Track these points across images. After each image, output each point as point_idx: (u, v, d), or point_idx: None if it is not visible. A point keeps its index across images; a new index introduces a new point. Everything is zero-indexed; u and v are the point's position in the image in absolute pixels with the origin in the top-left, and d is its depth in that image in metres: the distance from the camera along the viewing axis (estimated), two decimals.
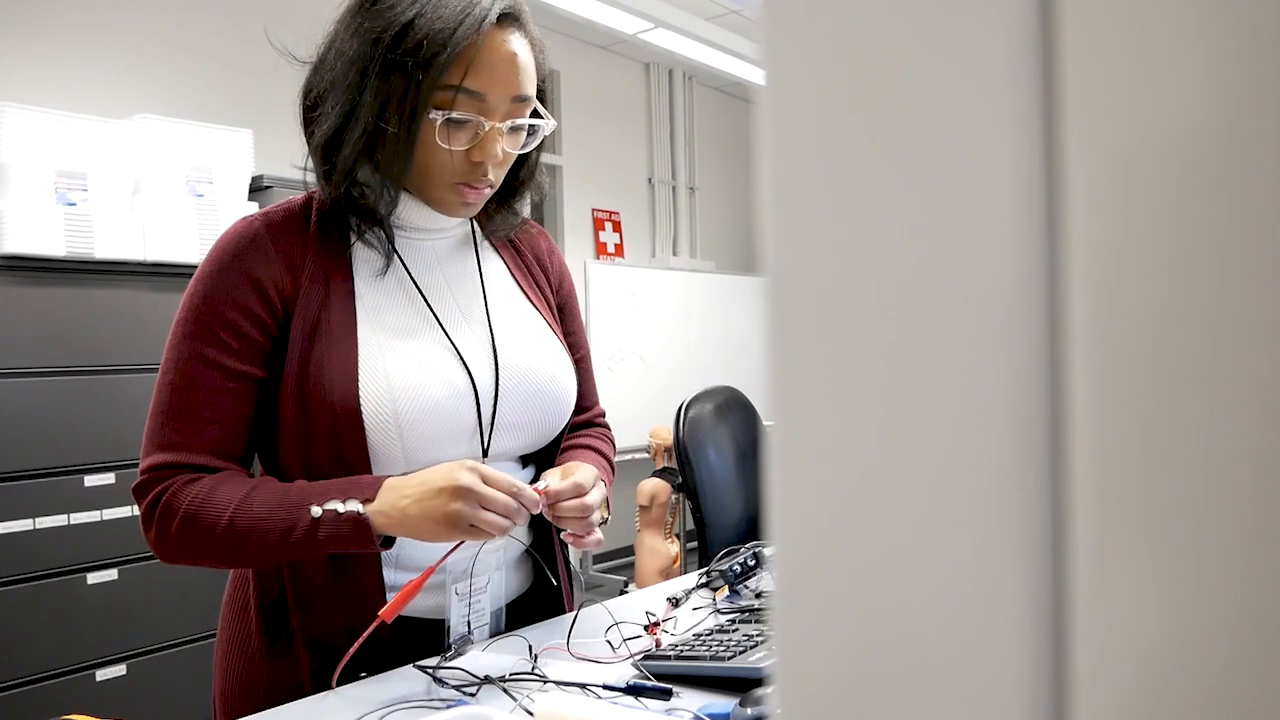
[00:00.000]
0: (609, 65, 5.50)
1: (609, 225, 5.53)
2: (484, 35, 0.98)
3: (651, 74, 5.91)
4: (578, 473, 1.06)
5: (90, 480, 2.79)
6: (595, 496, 1.06)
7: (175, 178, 3.01)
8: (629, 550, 4.45)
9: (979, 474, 0.22)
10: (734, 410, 2.30)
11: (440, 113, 0.98)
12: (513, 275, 1.20)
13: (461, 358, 1.07)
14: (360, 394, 1.00)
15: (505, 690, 0.90)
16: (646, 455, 4.69)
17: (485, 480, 0.95)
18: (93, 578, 2.78)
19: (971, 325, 0.22)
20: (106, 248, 2.82)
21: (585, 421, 1.31)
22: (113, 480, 2.83)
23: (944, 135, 0.22)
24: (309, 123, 1.05)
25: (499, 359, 1.09)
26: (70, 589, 2.73)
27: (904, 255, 0.23)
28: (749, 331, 6.36)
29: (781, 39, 0.25)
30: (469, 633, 1.07)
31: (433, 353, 1.06)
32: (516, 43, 1.02)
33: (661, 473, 4.21)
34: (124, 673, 2.82)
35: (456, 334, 1.09)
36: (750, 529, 2.14)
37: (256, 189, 3.23)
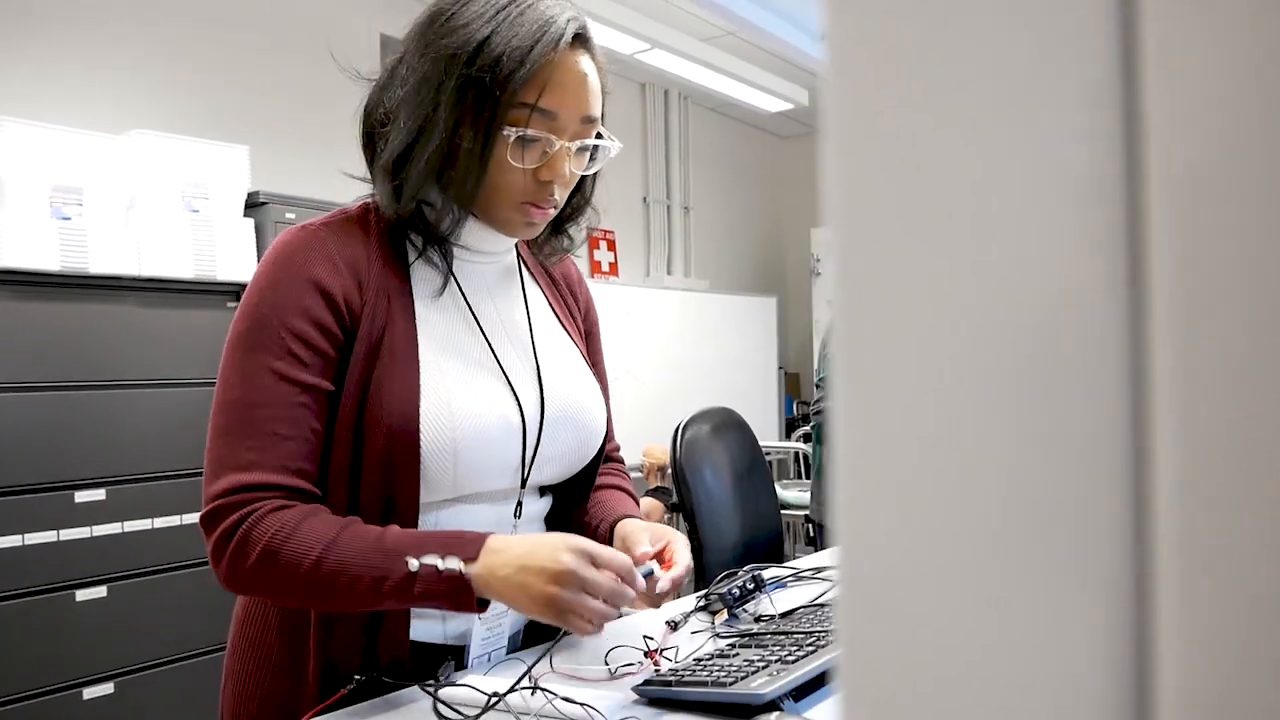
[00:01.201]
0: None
1: (604, 244, 5.54)
2: (560, 54, 0.99)
3: (647, 94, 5.94)
4: (681, 553, 1.06)
5: (80, 496, 2.77)
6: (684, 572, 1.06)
7: (171, 193, 3.00)
8: None
9: (1058, 495, 0.21)
10: (730, 431, 2.30)
11: (514, 130, 0.98)
12: (550, 305, 1.21)
13: (514, 390, 1.07)
14: (421, 418, 0.98)
15: (510, 710, 0.89)
16: (639, 474, 4.68)
17: (594, 560, 0.92)
18: (82, 595, 2.76)
19: (1050, 343, 0.21)
20: (101, 263, 2.81)
21: (605, 456, 1.29)
22: (103, 496, 2.81)
23: (1024, 135, 0.22)
24: (372, 139, 1.05)
25: (545, 393, 1.09)
26: (59, 606, 2.70)
27: (977, 273, 0.22)
28: (742, 351, 6.36)
29: (849, 36, 0.25)
30: (489, 659, 1.07)
31: (489, 383, 1.05)
32: (587, 64, 1.03)
33: (654, 492, 4.19)
34: (112, 691, 2.78)
35: (508, 364, 1.09)
36: (746, 551, 2.14)
37: (252, 205, 3.22)
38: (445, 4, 1.01)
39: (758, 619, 1.21)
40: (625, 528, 1.13)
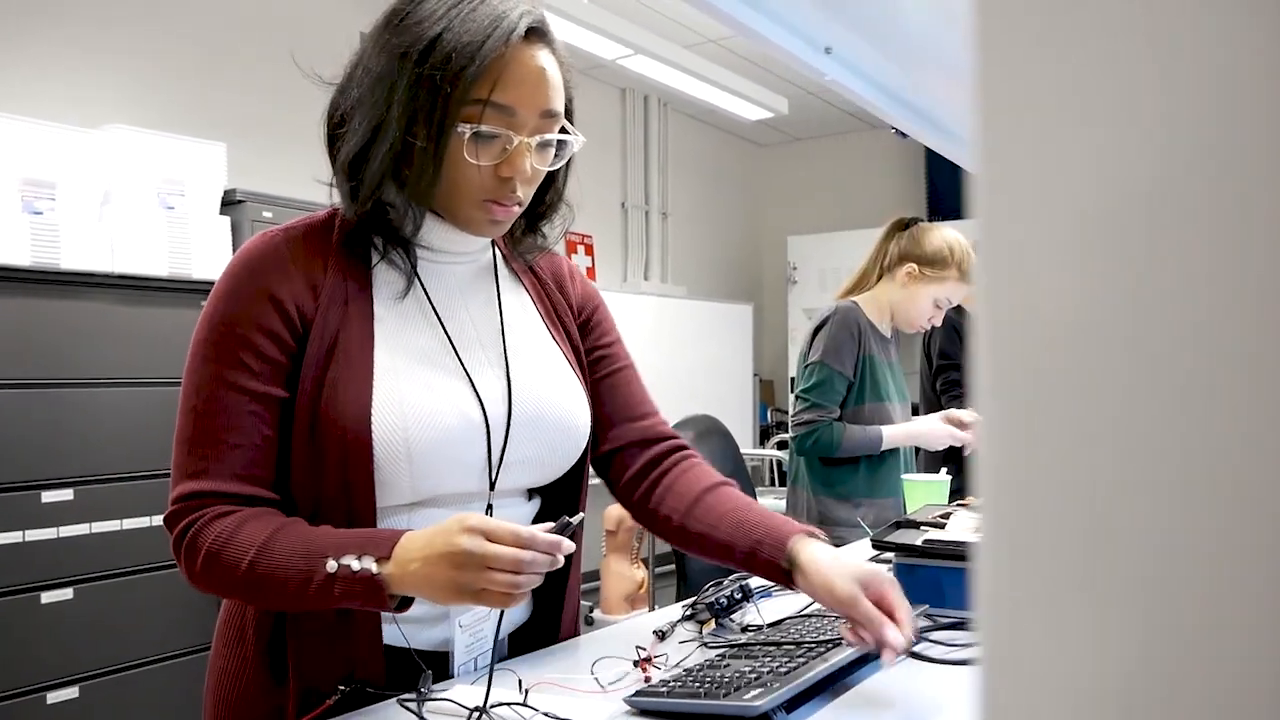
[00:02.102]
0: (585, 89, 5.47)
1: (581, 248, 5.53)
2: (512, 48, 0.98)
3: (628, 99, 5.94)
4: (897, 601, 0.97)
5: (48, 496, 2.72)
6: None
7: (146, 189, 2.96)
8: (594, 575, 4.42)
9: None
10: (713, 439, 2.29)
11: (468, 126, 0.97)
12: (535, 305, 1.19)
13: (476, 390, 1.05)
14: (373, 420, 0.98)
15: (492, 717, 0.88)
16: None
17: (489, 536, 0.89)
18: (47, 597, 2.70)
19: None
20: (73, 258, 2.77)
21: (659, 436, 1.23)
22: (71, 496, 2.76)
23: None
24: (334, 140, 1.05)
25: (513, 394, 1.08)
26: (23, 608, 2.65)
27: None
28: (718, 358, 6.37)
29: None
30: (474, 666, 1.06)
31: (448, 383, 1.04)
32: (544, 57, 1.02)
33: None
34: (76, 695, 2.73)
35: (472, 365, 1.07)
36: None
37: (229, 203, 3.18)
38: (401, 3, 1.02)
39: (744, 629, 1.20)
40: (823, 572, 1.00)
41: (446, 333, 1.07)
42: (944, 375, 2.99)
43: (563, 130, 1.05)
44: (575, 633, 1.23)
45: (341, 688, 0.97)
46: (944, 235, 2.37)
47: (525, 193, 1.05)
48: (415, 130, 0.98)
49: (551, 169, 1.08)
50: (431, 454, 1.00)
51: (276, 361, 0.99)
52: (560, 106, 1.04)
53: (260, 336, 0.98)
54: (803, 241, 6.91)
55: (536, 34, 1.01)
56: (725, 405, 5.89)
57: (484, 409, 1.05)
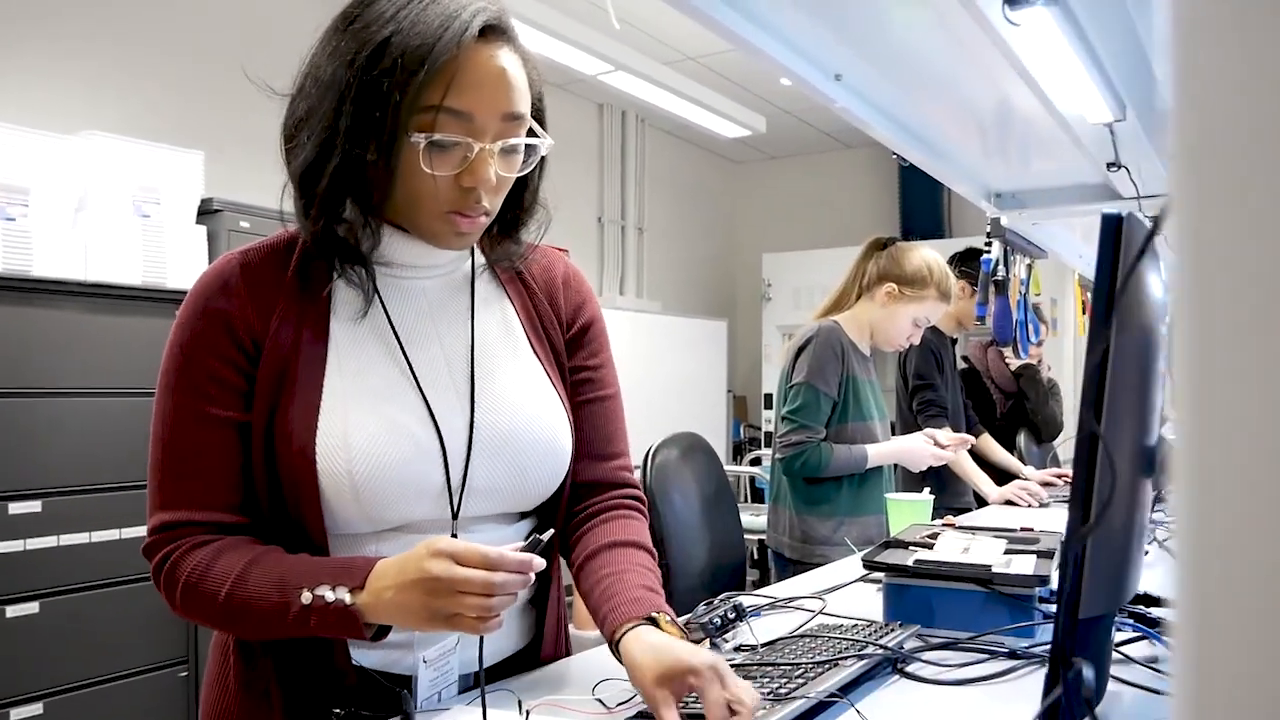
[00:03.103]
0: (563, 103, 5.52)
1: None
2: (465, 49, 0.92)
3: (605, 114, 5.96)
4: (744, 691, 0.87)
5: (15, 508, 2.66)
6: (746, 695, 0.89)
7: (121, 197, 2.92)
8: (568, 591, 4.39)
9: None
10: (697, 455, 2.29)
11: (422, 136, 0.92)
12: (518, 316, 1.13)
13: (433, 415, 1.01)
14: (317, 451, 0.96)
15: None
16: None
17: (457, 559, 0.86)
18: (12, 610, 2.64)
19: None
20: (46, 266, 2.72)
21: (616, 481, 1.18)
22: (38, 508, 2.71)
23: None
24: (288, 155, 1.00)
25: (475, 418, 1.03)
26: None
27: None
28: (693, 374, 6.38)
29: None
30: (439, 699, 1.03)
31: (401, 410, 1.00)
32: (504, 57, 0.95)
33: None
34: (41, 712, 2.67)
35: (433, 387, 1.03)
36: (713, 577, 2.13)
37: (205, 212, 3.15)
38: (350, 7, 0.97)
39: (738, 648, 1.20)
40: (660, 661, 0.90)
41: (405, 355, 1.02)
42: (919, 395, 3.02)
43: (530, 133, 1.00)
44: (565, 651, 1.21)
45: (337, 711, 0.95)
46: (923, 255, 2.40)
47: (492, 202, 0.99)
48: (366, 142, 0.92)
49: (519, 174, 1.01)
50: (378, 485, 0.96)
51: (236, 386, 0.98)
52: (524, 108, 0.98)
53: (217, 363, 0.97)
54: (777, 259, 6.95)
55: (494, 31, 0.95)
56: (699, 421, 5.90)
57: (440, 436, 1.00)
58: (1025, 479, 3.06)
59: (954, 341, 3.28)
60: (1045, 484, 3.03)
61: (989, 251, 2.33)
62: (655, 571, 1.10)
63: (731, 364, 7.28)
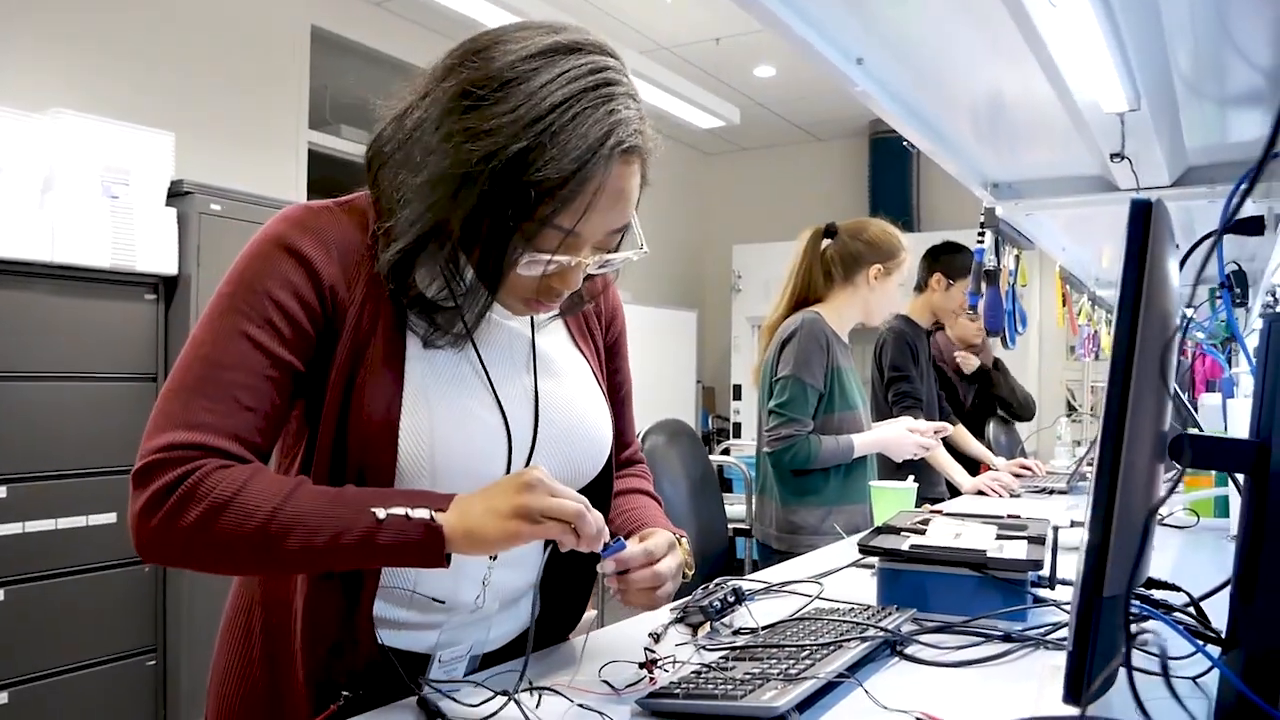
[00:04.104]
0: None
1: None
2: (606, 176, 0.89)
3: None
4: (651, 538, 1.03)
5: None
6: (669, 564, 1.03)
7: (90, 177, 2.87)
8: None
9: None
10: (682, 440, 2.30)
11: (534, 255, 0.91)
12: (565, 320, 1.16)
13: (503, 410, 1.02)
14: (400, 436, 0.94)
15: (519, 704, 0.87)
16: None
17: (549, 489, 0.90)
18: None
19: None
20: (11, 246, 2.66)
21: (626, 460, 1.29)
22: (3, 495, 2.65)
23: None
24: (372, 167, 0.98)
25: (539, 415, 1.05)
26: None
27: None
28: (663, 363, 6.39)
29: None
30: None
31: (476, 402, 1.01)
32: (631, 175, 0.93)
33: None
34: (6, 701, 2.63)
35: (501, 381, 1.03)
36: (700, 562, 2.14)
37: (176, 194, 3.10)
38: (478, 73, 0.90)
39: (737, 631, 1.21)
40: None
41: (477, 350, 1.03)
42: (895, 387, 3.05)
43: (623, 231, 0.98)
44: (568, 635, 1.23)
45: (345, 693, 0.95)
46: (880, 226, 2.48)
47: (571, 289, 0.99)
48: (472, 248, 0.92)
49: (602, 271, 0.99)
50: (456, 470, 0.97)
51: (304, 331, 0.93)
52: (632, 216, 0.98)
53: (292, 300, 0.92)
54: (748, 250, 6.98)
55: (634, 151, 0.92)
56: (668, 411, 5.90)
57: (508, 427, 1.02)
58: (996, 469, 3.11)
59: (929, 334, 3.32)
60: (1015, 474, 3.08)
61: (981, 241, 2.36)
62: (658, 502, 1.24)
63: (701, 354, 7.31)
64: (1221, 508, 2.07)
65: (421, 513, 0.87)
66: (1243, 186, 0.81)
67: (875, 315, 2.50)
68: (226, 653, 1.05)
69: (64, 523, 2.79)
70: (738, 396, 7.11)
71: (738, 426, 7.07)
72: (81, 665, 2.82)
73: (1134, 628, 1.18)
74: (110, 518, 2.88)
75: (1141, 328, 0.67)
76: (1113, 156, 1.72)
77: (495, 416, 1.02)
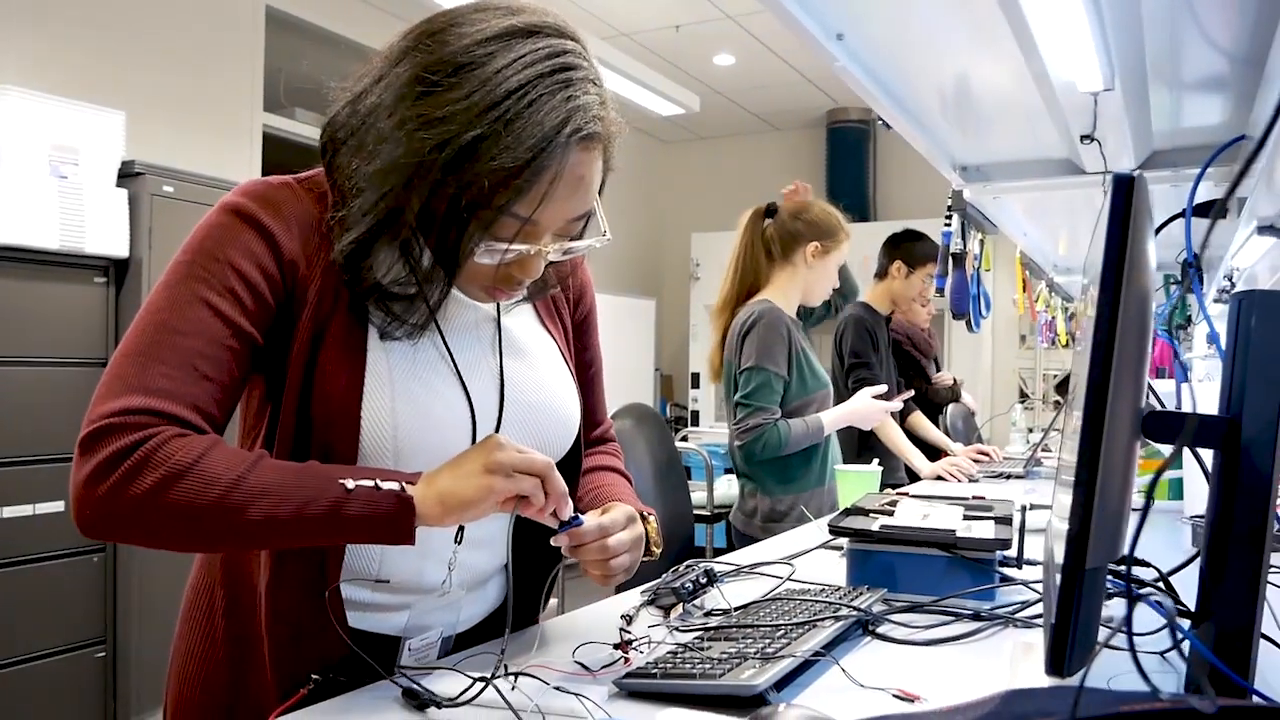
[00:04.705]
0: None
1: None
2: (564, 164, 0.87)
3: None
4: (610, 513, 1.01)
5: None
6: (622, 537, 1.00)
7: (36, 156, 2.78)
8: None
9: None
10: (649, 423, 2.30)
11: (492, 244, 0.89)
12: (530, 299, 1.13)
13: (466, 389, 1.01)
14: (363, 416, 0.93)
15: (499, 691, 0.86)
16: None
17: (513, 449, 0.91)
18: None
19: None
20: None
21: (597, 438, 1.29)
22: None
23: None
24: (331, 152, 0.94)
25: (505, 394, 1.04)
26: None
27: None
28: (621, 351, 6.38)
29: None
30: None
31: (439, 381, 0.99)
32: (591, 161, 0.91)
33: None
34: None
35: (466, 364, 1.02)
36: (668, 544, 2.14)
37: (127, 175, 3.02)
38: (433, 58, 0.88)
39: (708, 614, 1.21)
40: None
41: (441, 332, 1.01)
42: (855, 373, 3.08)
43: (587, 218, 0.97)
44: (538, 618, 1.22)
45: (315, 676, 0.93)
46: (822, 207, 2.49)
47: (533, 279, 0.98)
48: (428, 237, 0.90)
49: (565, 259, 0.99)
50: (417, 445, 0.95)
51: (265, 304, 0.91)
52: (594, 203, 0.96)
53: (254, 270, 0.90)
54: (706, 238, 6.98)
55: (594, 138, 0.90)
56: (627, 399, 5.90)
57: (472, 406, 1.00)
58: (954, 455, 3.15)
59: (887, 320, 3.35)
60: (973, 459, 3.13)
61: (948, 224, 2.39)
62: (634, 493, 1.22)
63: (659, 342, 7.31)
64: (1175, 490, 2.12)
65: (391, 484, 0.86)
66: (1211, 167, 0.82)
67: (813, 294, 2.50)
68: (189, 633, 1.02)
69: (8, 512, 2.71)
70: (696, 385, 7.12)
71: (695, 415, 7.09)
72: (28, 658, 2.75)
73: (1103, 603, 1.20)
74: (58, 506, 2.81)
75: (1124, 301, 0.67)
76: (1083, 138, 1.75)
77: (459, 396, 1.00)
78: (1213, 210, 1.15)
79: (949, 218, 2.38)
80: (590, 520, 0.99)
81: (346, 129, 0.93)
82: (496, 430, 1.02)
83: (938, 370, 3.93)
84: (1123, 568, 1.25)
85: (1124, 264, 0.67)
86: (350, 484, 0.84)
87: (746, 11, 5.02)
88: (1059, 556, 0.74)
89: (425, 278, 0.94)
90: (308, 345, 0.93)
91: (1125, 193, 0.67)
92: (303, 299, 0.93)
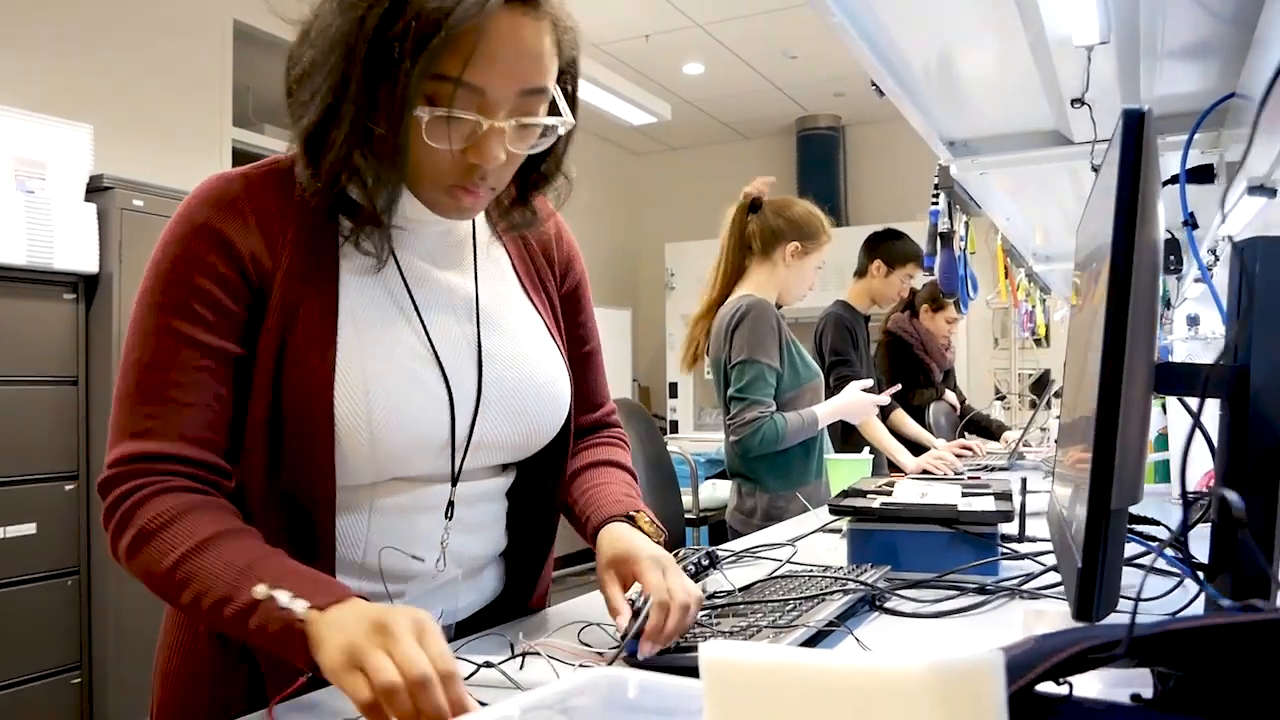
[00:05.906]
0: None
1: None
2: (489, 17, 0.83)
3: None
4: (676, 603, 0.90)
5: None
6: (681, 619, 0.91)
7: (2, 171, 2.73)
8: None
9: None
10: (636, 420, 2.28)
11: (429, 110, 0.85)
12: (515, 271, 1.11)
13: (443, 369, 0.98)
14: (335, 399, 0.90)
15: (503, 673, 0.83)
16: None
17: (421, 635, 0.72)
18: None
19: None
20: None
21: (597, 423, 1.24)
22: None
23: None
24: (292, 95, 0.92)
25: (483, 375, 1.01)
26: None
27: None
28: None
29: None
30: None
31: (416, 361, 0.96)
32: (530, 26, 0.87)
33: None
34: None
35: (442, 340, 0.99)
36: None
37: (95, 189, 2.97)
38: None
39: (713, 595, 1.19)
40: (615, 548, 1.00)
41: (416, 306, 0.98)
42: (836, 371, 3.09)
43: (553, 106, 0.93)
44: (543, 604, 1.20)
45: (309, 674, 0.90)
46: (805, 207, 2.47)
47: (498, 178, 0.94)
48: (374, 112, 0.86)
49: (533, 151, 0.95)
50: (395, 432, 0.93)
51: (230, 312, 0.90)
52: (547, 82, 0.90)
53: (213, 284, 0.90)
54: (680, 248, 7.00)
55: (529, 3, 0.87)
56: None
57: (450, 389, 0.98)
58: (938, 450, 3.16)
59: (867, 319, 3.36)
60: (957, 454, 3.13)
61: (936, 202, 2.39)
62: (635, 487, 1.17)
63: (635, 353, 7.31)
64: (1163, 473, 2.13)
65: (297, 605, 0.77)
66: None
67: (789, 295, 2.47)
68: (174, 629, 1.00)
69: None
70: (674, 394, 7.11)
71: (675, 424, 7.08)
72: (12, 683, 2.68)
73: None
74: (29, 528, 2.74)
75: (1138, 242, 0.67)
76: (1073, 102, 1.75)
77: (433, 372, 0.97)
78: (1201, 175, 1.15)
79: (935, 197, 2.39)
80: (654, 617, 0.89)
81: (298, 57, 0.91)
82: (475, 408, 0.99)
83: (947, 381, 3.98)
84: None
85: (1138, 199, 0.66)
86: (261, 592, 0.78)
87: (716, 19, 5.05)
88: (1080, 509, 0.73)
89: (380, 157, 0.89)
90: (277, 329, 0.92)
91: (1136, 128, 0.67)
92: (270, 288, 0.92)
